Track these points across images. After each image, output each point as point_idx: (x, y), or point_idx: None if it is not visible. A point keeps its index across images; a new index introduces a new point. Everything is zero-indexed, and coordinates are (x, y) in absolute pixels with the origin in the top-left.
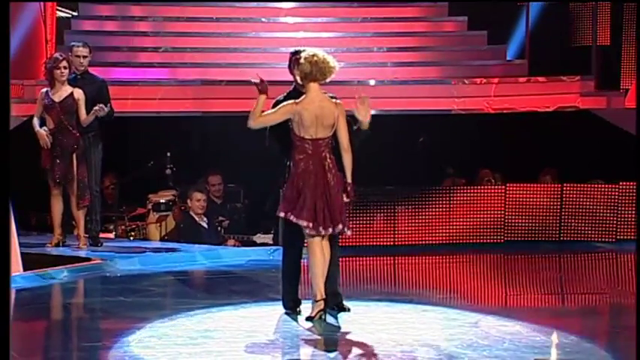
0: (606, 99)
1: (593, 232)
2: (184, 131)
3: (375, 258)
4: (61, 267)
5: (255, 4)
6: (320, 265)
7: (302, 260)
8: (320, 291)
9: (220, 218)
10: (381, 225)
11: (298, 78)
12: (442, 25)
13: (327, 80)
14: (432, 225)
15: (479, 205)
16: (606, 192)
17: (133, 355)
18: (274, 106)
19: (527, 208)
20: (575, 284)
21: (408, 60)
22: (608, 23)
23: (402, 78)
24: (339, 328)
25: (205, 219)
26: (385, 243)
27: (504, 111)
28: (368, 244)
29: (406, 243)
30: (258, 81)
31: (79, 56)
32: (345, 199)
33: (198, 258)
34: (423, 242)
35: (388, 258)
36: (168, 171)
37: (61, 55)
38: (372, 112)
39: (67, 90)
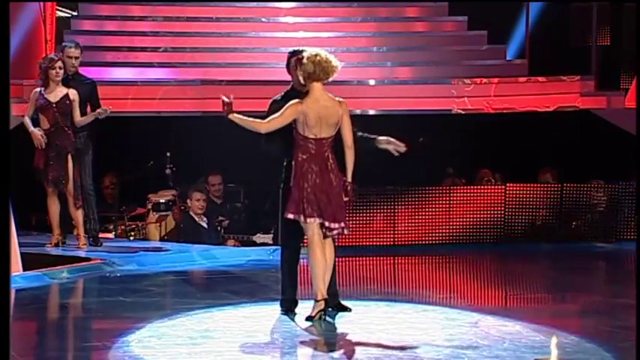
0: (606, 99)
1: (593, 232)
2: (184, 131)
3: (374, 258)
4: (60, 267)
5: (255, 4)
6: (320, 265)
7: (301, 260)
8: (320, 291)
9: (220, 218)
10: (381, 225)
11: (301, 78)
12: (442, 25)
13: (330, 80)
14: (432, 225)
15: (478, 204)
16: (606, 192)
17: (132, 355)
18: (271, 105)
19: (527, 208)
20: (575, 284)
21: (409, 60)
22: (608, 23)
23: (401, 78)
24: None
25: (205, 219)
26: (385, 243)
27: (504, 111)
28: (368, 244)
29: (406, 243)
30: (228, 100)
31: (70, 57)
32: (345, 199)
33: (197, 258)
34: (423, 242)
35: (388, 258)
36: (168, 171)
37: (56, 56)
38: (372, 112)
39: (62, 90)
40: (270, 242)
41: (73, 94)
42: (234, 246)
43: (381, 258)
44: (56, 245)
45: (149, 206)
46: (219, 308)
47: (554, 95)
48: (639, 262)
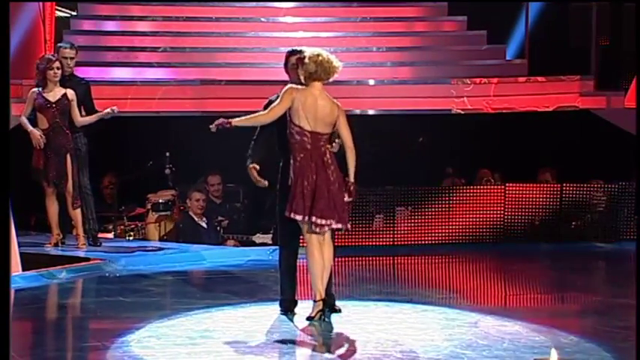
0: (606, 99)
1: (593, 232)
2: (184, 131)
3: (374, 258)
4: (60, 267)
5: (254, 4)
6: (319, 265)
7: (299, 260)
8: (319, 291)
9: (220, 218)
10: (381, 225)
11: (302, 77)
12: (442, 25)
13: (330, 80)
14: (432, 225)
15: (478, 205)
16: (606, 192)
17: (132, 355)
18: (266, 106)
19: (526, 208)
20: (575, 284)
21: (408, 60)
22: (609, 23)
23: (401, 78)
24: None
25: (205, 219)
26: (384, 243)
27: (504, 111)
28: (367, 244)
29: (405, 243)
30: (222, 122)
31: (66, 58)
32: (347, 199)
33: (197, 258)
34: (423, 242)
35: (387, 258)
36: (167, 171)
37: (53, 56)
38: (372, 112)
39: (60, 90)
40: (270, 242)
41: (71, 94)
42: (233, 246)
43: (381, 258)
44: (55, 245)
45: (148, 206)
46: (219, 308)
47: (554, 95)
48: (639, 262)
